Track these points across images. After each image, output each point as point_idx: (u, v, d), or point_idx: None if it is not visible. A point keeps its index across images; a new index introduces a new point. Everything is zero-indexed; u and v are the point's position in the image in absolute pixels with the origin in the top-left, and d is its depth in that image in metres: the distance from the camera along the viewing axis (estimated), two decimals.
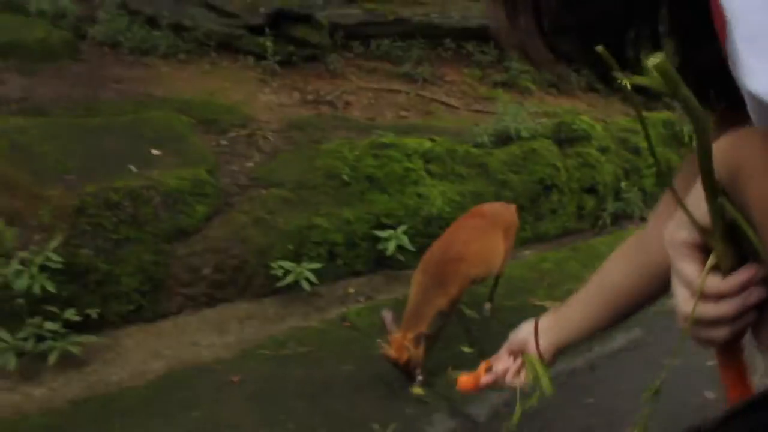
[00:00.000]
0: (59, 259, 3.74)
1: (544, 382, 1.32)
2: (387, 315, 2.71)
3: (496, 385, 1.44)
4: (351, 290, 4.79)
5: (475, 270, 3.65)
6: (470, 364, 4.00)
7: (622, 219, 6.53)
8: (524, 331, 1.34)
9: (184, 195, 4.43)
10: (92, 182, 4.22)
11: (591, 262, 5.34)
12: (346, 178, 5.00)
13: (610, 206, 6.23)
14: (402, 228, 4.89)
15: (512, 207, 3.93)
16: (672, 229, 0.65)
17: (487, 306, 4.29)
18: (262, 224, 4.60)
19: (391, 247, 4.74)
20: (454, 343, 4.19)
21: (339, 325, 4.37)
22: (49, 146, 4.49)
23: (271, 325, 4.34)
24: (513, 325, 4.68)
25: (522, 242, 5.76)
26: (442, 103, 7.53)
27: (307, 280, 4.43)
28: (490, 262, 3.23)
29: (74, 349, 3.64)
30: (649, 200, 6.47)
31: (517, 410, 1.47)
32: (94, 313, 3.93)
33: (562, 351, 1.30)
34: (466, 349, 4.15)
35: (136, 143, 4.89)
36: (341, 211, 4.88)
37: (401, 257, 4.94)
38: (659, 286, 1.02)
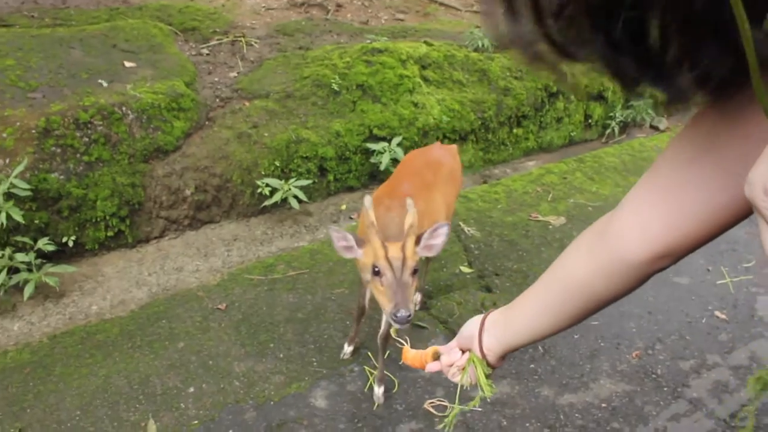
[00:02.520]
0: (26, 185, 3.45)
1: (484, 384, 1.26)
2: (367, 200, 2.41)
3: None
4: (343, 207, 4.51)
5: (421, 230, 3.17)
6: (470, 285, 3.79)
7: (631, 128, 6.14)
8: (472, 326, 1.26)
9: (160, 110, 4.08)
10: (60, 100, 3.86)
11: (597, 174, 5.02)
12: (335, 87, 4.61)
13: (619, 114, 5.82)
14: (396, 140, 4.55)
15: (453, 148, 3.47)
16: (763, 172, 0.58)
17: (417, 297, 3.57)
18: (246, 139, 4.27)
19: (385, 160, 4.42)
20: (453, 263, 3.95)
21: (330, 245, 4.12)
22: (10, 61, 4.10)
23: (259, 246, 4.09)
24: (514, 242, 4.39)
25: (525, 152, 5.42)
26: (441, 4, 6.97)
27: (296, 197, 4.14)
28: (435, 219, 2.80)
29: (50, 281, 3.42)
30: (660, 108, 6.04)
31: (454, 410, 1.46)
32: (70, 241, 3.69)
33: (510, 350, 1.21)
34: (465, 269, 3.91)
35: (109, 55, 4.48)
36: (331, 123, 4.52)
37: None
38: (625, 286, 0.97)
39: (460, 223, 4.29)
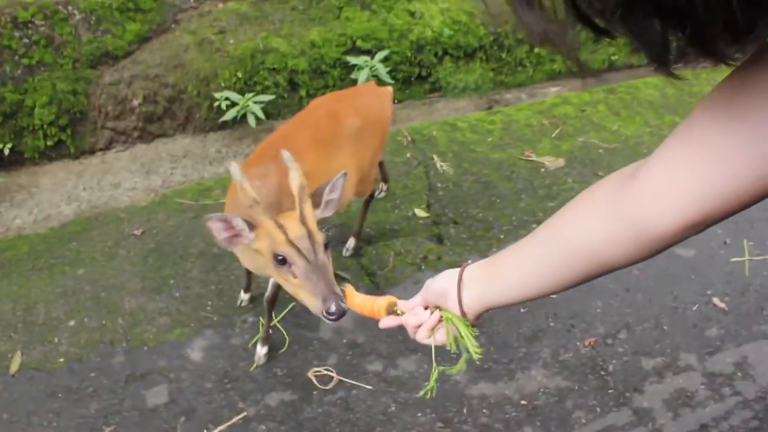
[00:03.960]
0: None
1: (470, 345, 1.18)
2: (235, 168, 1.88)
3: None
4: None
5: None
6: (419, 232, 3.28)
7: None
8: (445, 281, 1.17)
9: (111, 11, 3.70)
10: None
11: (626, 109, 4.16)
12: None
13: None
14: (382, 54, 3.94)
15: (384, 93, 2.78)
16: None
17: (351, 243, 3.12)
18: (208, 47, 3.83)
19: (362, 76, 3.83)
20: (408, 204, 3.42)
21: None
22: None
23: (207, 166, 3.77)
24: (490, 185, 3.75)
25: (549, 76, 4.58)
26: None
27: (255, 114, 3.69)
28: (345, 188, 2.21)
29: None
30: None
31: (433, 375, 1.33)
32: (6, 149, 3.50)
33: (490, 309, 1.14)
34: (420, 213, 3.38)
35: None
36: (307, 32, 3.96)
37: None
38: (642, 255, 0.89)
39: (434, 156, 3.72)
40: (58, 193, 3.53)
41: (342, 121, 2.54)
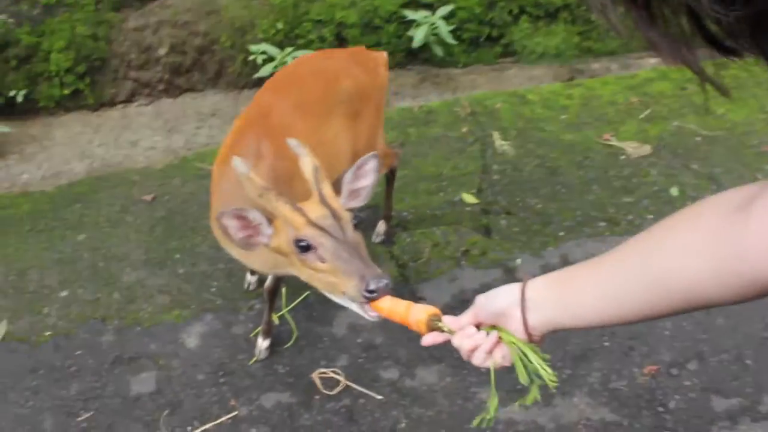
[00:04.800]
0: None
1: (544, 372, 1.20)
2: (239, 163, 1.83)
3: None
4: None
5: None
6: (464, 222, 3.20)
7: None
8: (503, 299, 1.19)
9: None
10: None
11: (739, 89, 3.82)
12: None
13: None
14: (444, 10, 3.81)
15: (377, 58, 2.65)
16: None
17: (381, 227, 3.08)
18: None
19: (420, 35, 3.73)
20: (456, 187, 3.32)
21: None
22: None
23: None
24: (556, 171, 3.67)
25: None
26: None
27: None
28: (335, 166, 2.10)
29: None
30: None
31: (492, 402, 1.33)
32: (19, 95, 3.60)
33: (555, 332, 1.17)
34: (468, 198, 3.27)
35: None
36: None
37: (439, 51, 3.92)
38: (747, 297, 0.90)
39: (495, 133, 3.58)
40: (71, 148, 3.63)
41: (332, 83, 2.46)
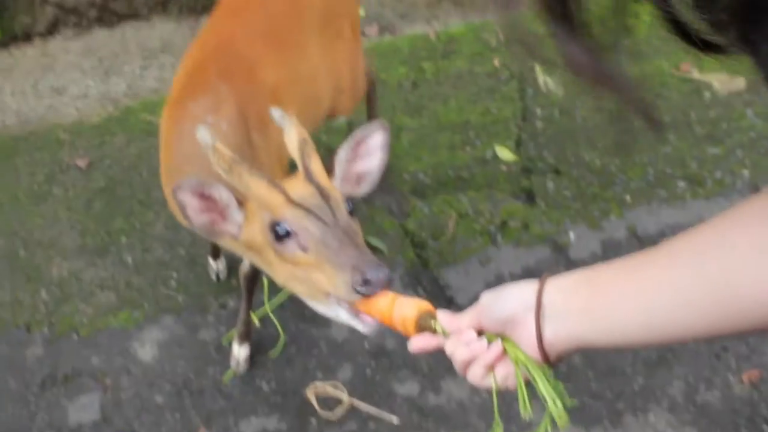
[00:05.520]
0: None
1: (552, 404, 1.22)
2: (204, 134, 1.82)
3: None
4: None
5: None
6: (499, 184, 3.19)
7: None
8: (515, 300, 1.21)
9: None
10: None
11: None
12: None
13: None
14: None
15: None
16: None
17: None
18: None
19: None
20: (488, 138, 3.39)
21: None
22: None
23: None
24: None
25: None
26: None
27: None
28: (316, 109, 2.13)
29: None
30: None
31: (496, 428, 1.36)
32: None
33: (579, 351, 1.20)
34: (505, 154, 3.36)
35: None
36: None
37: None
38: None
39: (537, 66, 3.58)
40: None
41: (299, 4, 2.52)
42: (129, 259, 2.99)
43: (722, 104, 3.49)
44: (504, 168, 3.28)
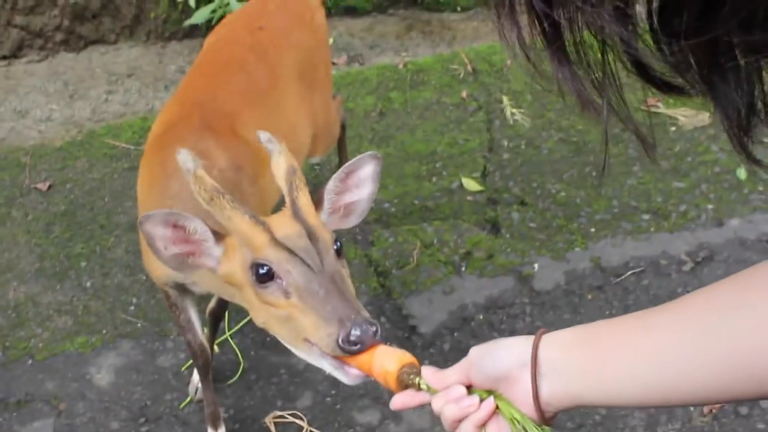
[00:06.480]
0: None
1: None
2: (186, 156, 1.76)
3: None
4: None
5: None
6: (464, 215, 3.21)
7: None
8: (508, 356, 1.20)
9: None
10: None
11: None
12: None
13: None
14: None
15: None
16: None
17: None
18: None
19: None
20: (454, 169, 3.35)
21: None
22: None
23: (162, 92, 3.89)
24: (589, 149, 4.01)
25: None
26: None
27: None
28: (297, 156, 2.14)
29: None
30: None
31: None
32: None
33: (577, 408, 1.20)
34: (471, 184, 3.35)
35: None
36: None
37: None
38: None
39: (504, 98, 3.64)
40: None
41: (276, 59, 2.54)
42: (88, 284, 2.98)
43: (687, 138, 3.51)
44: (470, 198, 3.29)
